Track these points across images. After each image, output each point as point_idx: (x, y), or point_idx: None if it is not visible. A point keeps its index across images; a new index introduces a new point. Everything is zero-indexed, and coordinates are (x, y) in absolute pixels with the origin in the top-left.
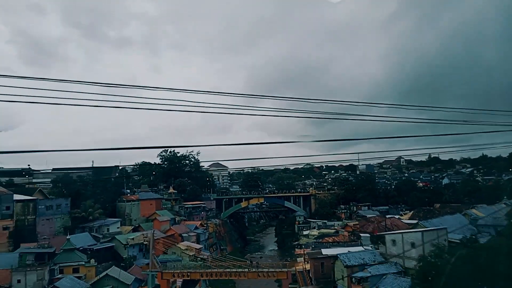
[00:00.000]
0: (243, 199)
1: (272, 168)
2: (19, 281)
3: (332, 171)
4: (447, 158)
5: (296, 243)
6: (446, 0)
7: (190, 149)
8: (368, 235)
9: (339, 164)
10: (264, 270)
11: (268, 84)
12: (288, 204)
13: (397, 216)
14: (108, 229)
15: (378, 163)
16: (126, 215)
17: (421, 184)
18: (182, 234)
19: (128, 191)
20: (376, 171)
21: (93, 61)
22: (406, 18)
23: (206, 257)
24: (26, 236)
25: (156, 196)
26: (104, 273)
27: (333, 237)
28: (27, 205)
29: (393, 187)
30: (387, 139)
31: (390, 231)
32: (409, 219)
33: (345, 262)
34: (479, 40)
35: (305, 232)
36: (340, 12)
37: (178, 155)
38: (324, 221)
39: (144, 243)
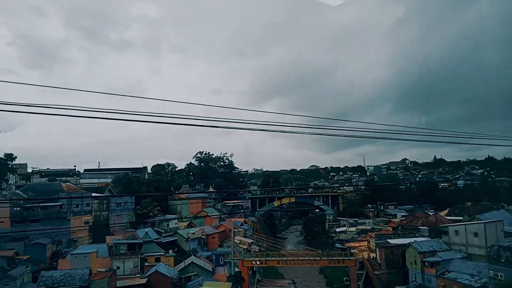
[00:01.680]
0: (276, 199)
1: (279, 169)
2: (118, 267)
3: (340, 172)
4: (452, 160)
5: (336, 238)
6: (452, 7)
7: (223, 151)
8: (426, 227)
9: (344, 165)
10: (335, 258)
11: (273, 87)
12: (317, 203)
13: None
14: (167, 225)
15: (385, 165)
16: (177, 212)
17: (445, 184)
18: (233, 229)
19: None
20: (384, 173)
21: (95, 63)
22: (412, 24)
23: (257, 248)
24: (102, 230)
25: (202, 195)
26: (189, 261)
27: (375, 232)
28: (102, 202)
29: (413, 187)
30: (388, 141)
31: (437, 225)
32: (445, 215)
33: (418, 249)
34: (484, 46)
35: (338, 229)
36: (347, 17)
37: (213, 157)
38: (355, 219)
39: (202, 237)
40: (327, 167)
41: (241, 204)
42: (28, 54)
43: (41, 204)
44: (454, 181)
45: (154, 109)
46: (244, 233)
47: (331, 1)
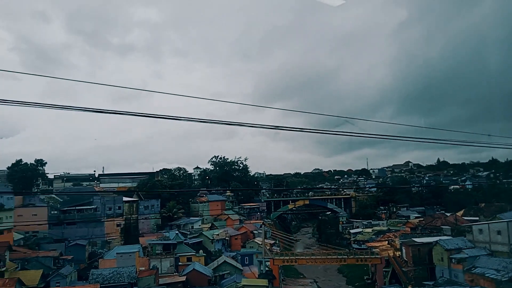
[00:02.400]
0: (290, 201)
1: (282, 173)
2: (154, 266)
3: (345, 175)
4: (454, 162)
5: (353, 239)
6: (455, 9)
7: (238, 155)
8: (449, 227)
9: (347, 168)
10: (361, 256)
11: (276, 90)
12: (330, 205)
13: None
14: (192, 226)
15: (389, 167)
16: (199, 215)
17: (457, 186)
18: (253, 231)
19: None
20: (389, 175)
21: (96, 67)
22: (415, 27)
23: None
24: (132, 232)
25: (221, 198)
26: (222, 260)
27: (399, 232)
28: (132, 205)
29: (423, 189)
30: (389, 144)
31: (457, 225)
32: (461, 216)
33: (446, 247)
34: (487, 48)
35: (353, 231)
36: (350, 20)
37: (227, 161)
38: (369, 220)
39: (226, 238)
40: (330, 170)
41: (257, 206)
42: (30, 59)
43: (77, 208)
44: (466, 184)
45: (156, 110)
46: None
47: (333, 2)
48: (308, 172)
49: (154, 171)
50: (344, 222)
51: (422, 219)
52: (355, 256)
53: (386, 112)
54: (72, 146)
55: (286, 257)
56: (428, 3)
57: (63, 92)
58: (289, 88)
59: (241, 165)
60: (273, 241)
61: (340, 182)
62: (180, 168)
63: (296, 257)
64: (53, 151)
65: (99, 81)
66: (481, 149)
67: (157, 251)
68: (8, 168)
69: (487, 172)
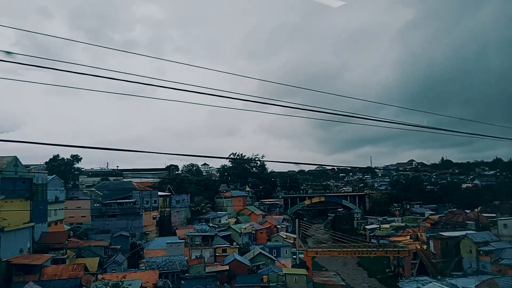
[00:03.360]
0: (306, 198)
1: (286, 170)
2: (196, 256)
3: (350, 173)
4: (456, 161)
5: (371, 234)
6: (461, 12)
7: (255, 152)
8: (473, 222)
9: (351, 166)
10: (390, 249)
11: (280, 88)
12: (345, 202)
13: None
14: (219, 220)
15: (394, 165)
16: (223, 209)
17: (469, 185)
18: (277, 226)
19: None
20: (395, 174)
21: (98, 64)
22: (421, 28)
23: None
24: (165, 225)
25: (243, 194)
26: (258, 251)
27: (413, 229)
28: (165, 199)
29: (434, 187)
30: (391, 142)
31: (478, 221)
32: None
33: (474, 240)
34: (492, 49)
35: (368, 227)
36: (356, 20)
37: (245, 157)
38: (384, 217)
39: (252, 232)
40: (334, 168)
41: (276, 202)
42: (32, 55)
43: (117, 201)
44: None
45: (159, 107)
46: (286, 229)
47: (335, 3)
48: (312, 170)
49: (165, 166)
50: (359, 218)
51: (443, 215)
52: (384, 249)
53: (390, 111)
54: (73, 142)
55: (319, 249)
56: (433, 4)
57: (66, 88)
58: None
59: (258, 162)
60: (295, 235)
61: (345, 180)
62: (193, 164)
63: (329, 249)
64: (54, 147)
65: (101, 77)
66: (482, 149)
67: (196, 242)
68: (46, 163)
69: (494, 171)
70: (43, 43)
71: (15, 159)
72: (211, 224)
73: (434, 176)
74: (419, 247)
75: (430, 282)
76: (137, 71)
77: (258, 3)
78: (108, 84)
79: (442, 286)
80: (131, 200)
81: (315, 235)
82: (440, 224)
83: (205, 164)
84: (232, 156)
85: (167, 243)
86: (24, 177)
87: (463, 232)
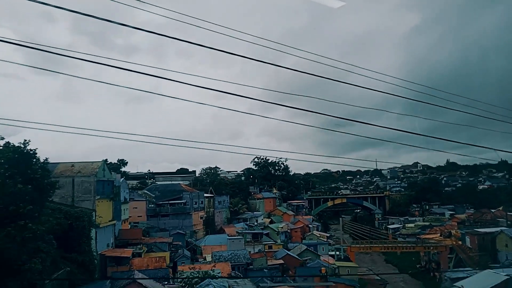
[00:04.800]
0: (329, 199)
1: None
2: (249, 251)
3: (357, 176)
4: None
5: (398, 233)
6: (466, 16)
7: (278, 155)
8: (504, 219)
9: (356, 169)
10: (428, 244)
11: (286, 90)
12: (366, 203)
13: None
14: (256, 220)
15: (400, 168)
16: (256, 210)
17: (485, 186)
18: (309, 225)
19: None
20: (402, 176)
21: (101, 68)
22: (426, 32)
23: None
24: (210, 224)
25: (273, 195)
26: (304, 248)
27: (443, 226)
28: (210, 200)
29: (451, 189)
30: (391, 145)
31: (507, 219)
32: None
33: (510, 234)
34: (496, 53)
35: (391, 226)
36: (363, 25)
37: (269, 161)
38: (406, 217)
39: (288, 231)
40: (338, 171)
41: (303, 203)
42: (34, 59)
43: (169, 202)
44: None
45: (162, 111)
46: (316, 228)
47: (339, 4)
48: (317, 173)
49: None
50: (380, 218)
51: (471, 214)
52: (423, 244)
53: (392, 113)
54: (75, 145)
55: (361, 245)
56: (437, 9)
57: (67, 93)
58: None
59: (282, 165)
60: (328, 234)
61: (353, 182)
62: (211, 167)
63: (371, 245)
64: (57, 150)
65: (102, 81)
66: (483, 151)
67: (247, 239)
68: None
69: (502, 173)
70: (45, 47)
71: (104, 163)
72: (249, 224)
73: (445, 178)
74: (454, 242)
75: (474, 272)
76: (140, 76)
77: (266, 7)
78: (109, 88)
79: (499, 273)
80: (181, 201)
81: (335, 235)
82: (469, 222)
83: (216, 167)
84: (256, 160)
85: (228, 239)
86: (109, 180)
87: (498, 228)
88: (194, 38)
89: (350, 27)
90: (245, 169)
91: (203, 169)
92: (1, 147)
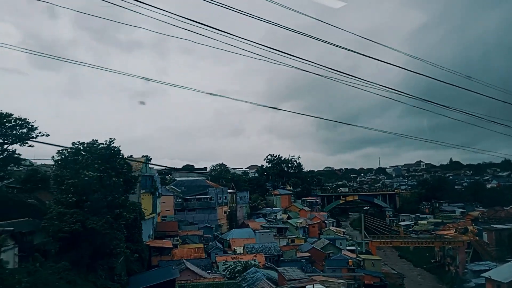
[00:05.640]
0: (341, 196)
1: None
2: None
3: (362, 174)
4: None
5: (411, 229)
6: (471, 15)
7: (291, 153)
8: None
9: (359, 167)
10: (446, 239)
11: (289, 88)
12: (377, 201)
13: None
14: (276, 216)
15: (404, 166)
16: (273, 206)
17: (494, 185)
18: (325, 221)
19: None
20: (406, 173)
21: (103, 64)
22: (431, 31)
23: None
24: (233, 219)
25: (288, 192)
26: (327, 242)
27: (453, 224)
28: (233, 196)
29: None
30: (392, 143)
31: None
32: None
33: None
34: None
35: (402, 223)
36: (368, 22)
37: (282, 159)
38: (417, 214)
39: (306, 226)
40: (341, 169)
41: (317, 200)
42: (36, 54)
43: (196, 197)
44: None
45: (164, 107)
46: (331, 224)
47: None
48: (320, 170)
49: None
50: (391, 216)
51: (485, 211)
52: (441, 240)
53: (395, 111)
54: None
55: (382, 240)
56: (442, 8)
57: (70, 87)
58: (302, 87)
59: (295, 163)
60: (343, 230)
61: (357, 180)
62: (222, 164)
63: (391, 240)
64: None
65: (104, 77)
66: (487, 150)
67: (273, 233)
68: None
69: (507, 172)
70: (47, 42)
71: (146, 158)
72: (267, 219)
73: (451, 177)
74: (472, 238)
75: (494, 265)
76: (141, 70)
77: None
78: (111, 83)
79: None
80: (207, 196)
81: (345, 231)
82: (484, 219)
83: (222, 164)
84: (269, 157)
85: (257, 232)
86: (150, 175)
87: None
88: (198, 35)
89: (356, 25)
90: (251, 165)
91: (213, 165)
92: (85, 145)
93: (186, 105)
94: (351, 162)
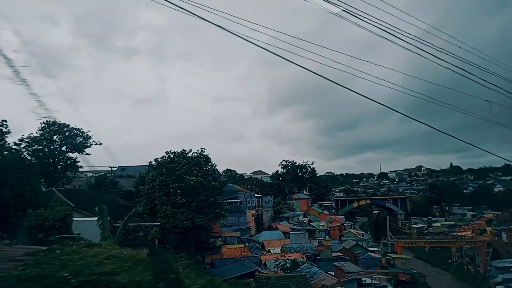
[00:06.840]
0: (354, 200)
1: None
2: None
3: (364, 179)
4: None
5: (426, 231)
6: (475, 20)
7: (305, 159)
8: None
9: (360, 172)
10: (466, 239)
11: (291, 93)
12: (389, 204)
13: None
14: (298, 219)
15: (405, 171)
16: (294, 210)
17: (501, 189)
18: (344, 224)
19: None
20: (408, 178)
21: (101, 70)
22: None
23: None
24: (259, 222)
25: (306, 196)
26: (355, 242)
27: (467, 226)
28: (259, 200)
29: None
30: (391, 148)
31: None
32: None
33: None
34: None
35: (415, 226)
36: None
37: (296, 164)
38: (429, 217)
39: (327, 229)
40: (342, 174)
41: (332, 204)
42: (34, 61)
43: (227, 200)
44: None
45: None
46: (351, 226)
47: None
48: (321, 175)
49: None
50: (403, 219)
51: (499, 213)
52: (462, 239)
53: (396, 116)
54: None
55: (407, 240)
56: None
57: (69, 94)
58: (304, 92)
59: (309, 168)
60: (362, 232)
61: (360, 185)
62: (230, 170)
63: (415, 240)
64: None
65: (103, 84)
66: (481, 154)
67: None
68: None
69: (510, 177)
70: (46, 49)
71: None
72: (290, 222)
73: (456, 181)
74: (491, 238)
75: None
76: (139, 77)
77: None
78: (110, 90)
79: None
80: (238, 200)
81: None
82: (499, 221)
83: (228, 169)
84: (284, 163)
85: (292, 233)
86: None
87: None
88: (199, 40)
89: (358, 30)
90: (255, 171)
91: (223, 171)
92: (177, 154)
93: (187, 110)
94: (350, 167)
